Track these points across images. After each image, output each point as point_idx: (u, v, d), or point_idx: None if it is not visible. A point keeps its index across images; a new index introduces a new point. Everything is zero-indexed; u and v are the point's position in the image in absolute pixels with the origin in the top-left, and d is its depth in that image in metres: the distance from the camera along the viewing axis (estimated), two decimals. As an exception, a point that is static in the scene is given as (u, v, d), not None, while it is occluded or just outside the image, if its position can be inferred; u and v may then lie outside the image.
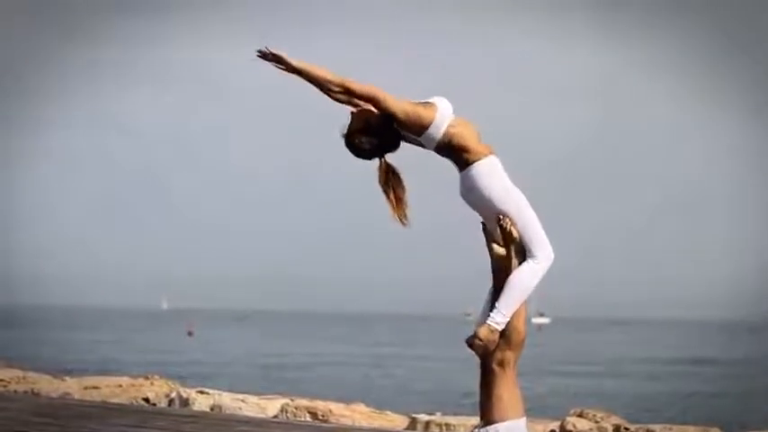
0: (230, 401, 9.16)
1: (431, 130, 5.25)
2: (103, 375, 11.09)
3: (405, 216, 5.32)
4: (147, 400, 9.67)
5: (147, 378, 10.10)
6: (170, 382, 10.06)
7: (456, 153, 5.28)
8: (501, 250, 5.31)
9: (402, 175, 5.34)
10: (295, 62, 5.22)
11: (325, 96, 5.31)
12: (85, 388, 9.75)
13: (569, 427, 8.38)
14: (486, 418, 5.26)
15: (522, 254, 5.28)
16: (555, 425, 8.59)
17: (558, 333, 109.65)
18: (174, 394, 9.65)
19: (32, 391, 9.62)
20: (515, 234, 5.23)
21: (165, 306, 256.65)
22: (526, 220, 5.25)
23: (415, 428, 8.51)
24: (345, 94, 5.27)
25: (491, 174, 5.25)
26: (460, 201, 5.35)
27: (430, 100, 5.32)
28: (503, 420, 5.21)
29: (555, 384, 38.37)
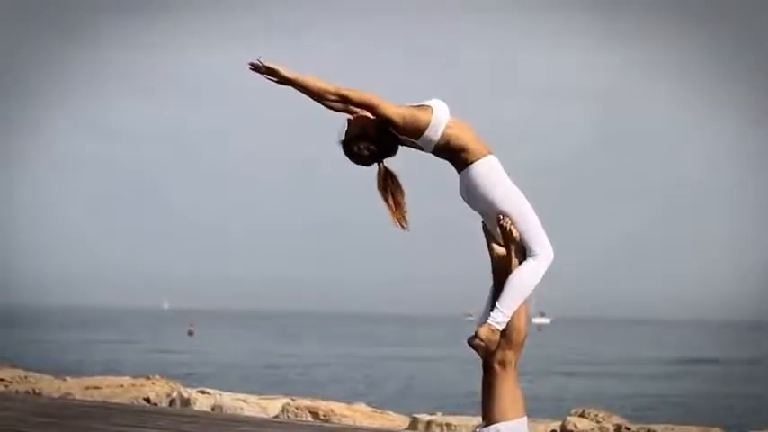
0: (231, 401, 9.17)
1: (428, 133, 5.25)
2: (104, 375, 11.10)
3: (404, 220, 5.33)
4: (148, 400, 9.68)
5: (148, 378, 10.11)
6: (171, 382, 10.07)
7: (454, 154, 5.28)
8: (501, 250, 5.31)
9: (400, 180, 5.35)
10: (288, 73, 5.21)
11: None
12: (86, 388, 9.76)
13: (570, 426, 8.37)
14: (488, 417, 5.26)
15: (523, 253, 5.28)
16: (556, 425, 8.59)
17: (559, 333, 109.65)
18: (175, 394, 9.66)
19: (34, 391, 9.63)
20: (515, 233, 5.23)
21: (166, 306, 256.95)
22: (526, 219, 5.25)
23: (416, 428, 8.51)
24: (341, 102, 5.26)
25: (490, 173, 5.25)
26: (461, 200, 5.36)
27: (425, 102, 5.32)
28: (504, 420, 5.21)
29: (556, 384, 38.37)
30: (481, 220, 5.37)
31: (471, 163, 5.25)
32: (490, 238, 5.37)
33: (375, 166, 5.34)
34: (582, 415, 8.65)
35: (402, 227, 5.31)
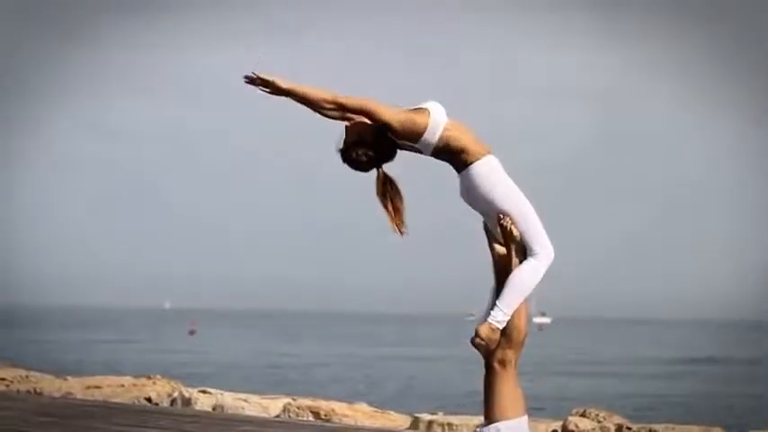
0: (232, 401, 9.17)
1: (426, 136, 5.25)
2: (105, 375, 11.10)
3: (403, 226, 5.33)
4: (149, 399, 9.68)
5: (149, 378, 10.10)
6: (172, 382, 10.07)
7: (454, 155, 5.29)
8: (502, 249, 5.32)
9: (400, 185, 5.36)
10: (284, 84, 5.21)
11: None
12: (88, 387, 9.75)
13: (571, 426, 8.38)
14: (488, 416, 5.27)
15: (524, 253, 5.29)
16: (557, 424, 8.59)
17: (560, 333, 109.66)
18: (176, 394, 9.66)
19: (35, 391, 9.63)
20: (516, 233, 5.24)
21: (167, 306, 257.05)
22: (527, 218, 5.26)
23: (417, 428, 8.51)
24: (338, 110, 5.27)
25: (490, 173, 5.26)
26: (461, 200, 5.36)
27: (422, 105, 5.32)
28: (504, 419, 5.22)
29: (557, 384, 38.35)
30: (482, 220, 5.38)
31: (471, 163, 5.26)
32: (491, 238, 5.38)
33: (374, 172, 5.35)
34: (583, 415, 8.66)
35: (401, 233, 5.32)
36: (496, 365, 5.26)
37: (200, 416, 8.21)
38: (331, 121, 5.33)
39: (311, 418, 8.69)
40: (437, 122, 5.25)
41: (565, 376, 43.84)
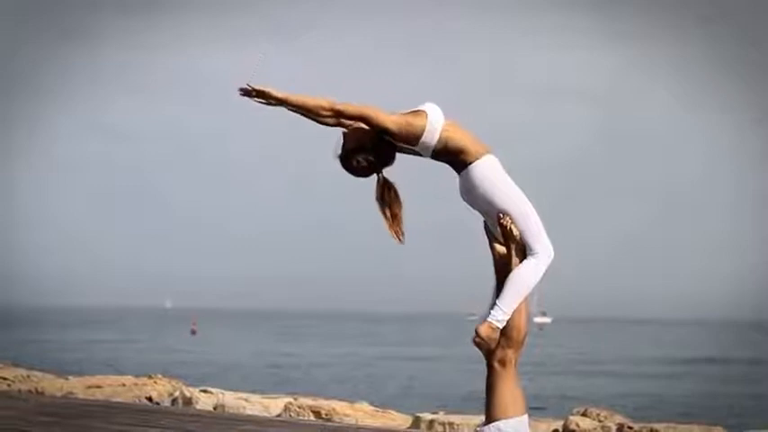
0: (233, 400, 9.18)
1: (425, 138, 5.27)
2: (107, 374, 11.11)
3: (401, 233, 5.34)
4: (150, 399, 9.69)
5: (150, 377, 10.11)
6: (173, 382, 10.08)
7: (453, 156, 5.30)
8: (503, 249, 5.33)
9: (399, 191, 5.37)
10: (280, 94, 5.22)
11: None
12: (89, 387, 9.76)
13: (573, 426, 8.38)
14: (488, 416, 5.28)
15: (524, 252, 5.30)
16: (558, 424, 8.60)
17: (560, 332, 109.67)
18: (177, 393, 9.67)
19: (36, 390, 9.64)
20: (516, 232, 5.25)
21: (168, 305, 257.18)
22: (527, 217, 5.27)
23: (418, 427, 8.52)
24: (334, 117, 5.29)
25: (490, 173, 5.27)
26: (461, 200, 5.37)
27: (419, 108, 5.33)
28: (504, 418, 5.23)
29: (558, 383, 38.36)
30: (482, 219, 5.39)
31: (470, 163, 5.27)
32: (492, 238, 5.39)
33: (374, 177, 5.37)
34: (584, 414, 8.67)
35: (398, 240, 5.33)
36: (496, 365, 5.27)
37: (202, 415, 8.22)
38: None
39: (312, 418, 8.70)
40: (435, 124, 5.26)
41: (565, 376, 43.85)
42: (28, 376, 10.06)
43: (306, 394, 10.03)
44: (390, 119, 5.26)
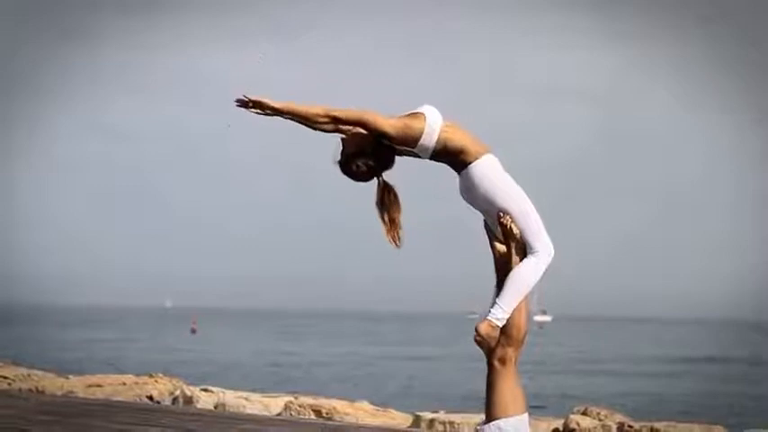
0: (234, 399, 9.19)
1: (424, 140, 5.28)
2: (107, 373, 11.12)
3: (398, 238, 5.35)
4: (150, 398, 9.70)
5: (150, 376, 10.13)
6: (174, 380, 10.09)
7: (453, 156, 5.31)
8: (503, 248, 5.34)
9: (399, 195, 5.38)
10: (276, 104, 5.24)
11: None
12: (89, 386, 9.77)
13: (573, 425, 8.39)
14: (489, 414, 5.28)
15: (524, 251, 5.31)
16: (558, 423, 8.61)
17: (560, 331, 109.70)
18: (178, 392, 9.68)
19: (36, 389, 9.65)
20: (516, 231, 5.25)
21: (168, 304, 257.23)
22: (527, 216, 5.28)
23: (419, 426, 8.53)
24: (332, 123, 5.29)
25: (490, 172, 5.28)
26: (461, 199, 5.38)
27: (417, 110, 5.34)
28: (504, 416, 5.23)
29: (558, 382, 38.37)
30: (483, 218, 5.40)
31: (470, 163, 5.28)
32: (492, 237, 5.40)
33: (374, 180, 5.38)
34: (584, 413, 8.68)
35: (396, 245, 5.35)
36: (497, 363, 5.27)
37: (202, 414, 8.23)
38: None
39: (313, 417, 8.71)
40: (433, 126, 5.27)
41: (565, 374, 43.86)
42: (28, 375, 10.07)
43: (306, 393, 10.06)
44: (388, 123, 5.27)
